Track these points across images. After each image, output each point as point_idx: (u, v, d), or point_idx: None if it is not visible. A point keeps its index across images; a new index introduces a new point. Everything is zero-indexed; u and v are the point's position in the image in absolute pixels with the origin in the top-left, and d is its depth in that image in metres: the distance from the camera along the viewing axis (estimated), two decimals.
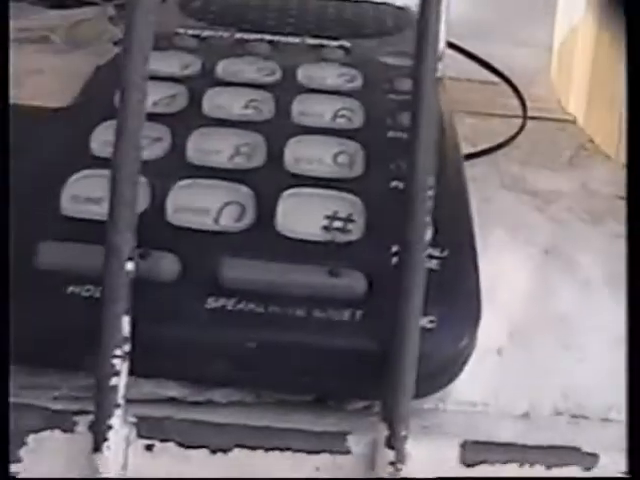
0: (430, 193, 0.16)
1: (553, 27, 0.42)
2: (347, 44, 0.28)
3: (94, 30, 0.27)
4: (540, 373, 0.20)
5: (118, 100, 0.16)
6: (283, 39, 0.28)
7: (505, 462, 0.17)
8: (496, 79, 0.39)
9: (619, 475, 0.17)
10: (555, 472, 0.17)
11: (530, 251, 0.26)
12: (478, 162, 0.31)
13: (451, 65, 0.31)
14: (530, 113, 0.36)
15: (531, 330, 0.22)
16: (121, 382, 0.16)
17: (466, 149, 0.24)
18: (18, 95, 0.23)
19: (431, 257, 0.18)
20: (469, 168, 0.23)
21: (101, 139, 0.21)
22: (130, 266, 0.16)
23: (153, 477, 0.17)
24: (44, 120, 0.22)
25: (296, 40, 0.28)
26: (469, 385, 0.19)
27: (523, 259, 0.25)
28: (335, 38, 0.28)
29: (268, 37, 0.28)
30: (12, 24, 0.26)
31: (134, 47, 0.16)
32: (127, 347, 0.16)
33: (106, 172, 0.19)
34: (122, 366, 0.16)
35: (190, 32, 0.28)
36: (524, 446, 0.17)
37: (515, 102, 0.37)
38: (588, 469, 0.17)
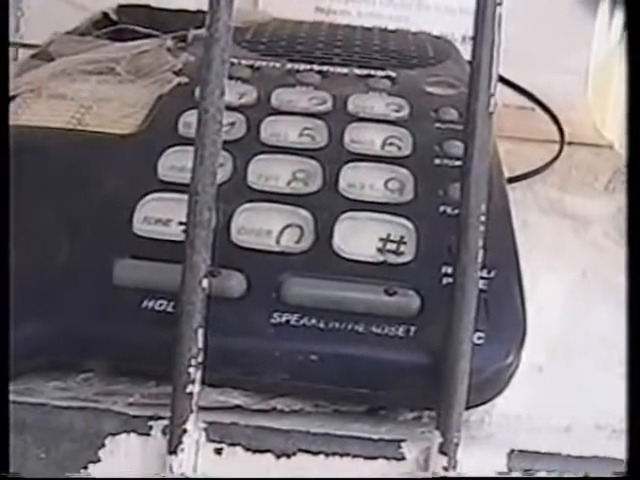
0: (482, 219, 0.17)
1: (589, 53, 0.42)
2: (392, 74, 0.29)
3: (154, 61, 0.28)
4: (580, 389, 0.21)
5: (195, 130, 0.18)
6: (332, 69, 0.29)
7: (549, 471, 0.18)
8: (533, 105, 0.40)
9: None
10: None
11: (568, 273, 0.27)
12: (516, 186, 0.32)
13: None
14: (567, 138, 0.37)
15: (570, 348, 0.23)
16: (195, 390, 0.17)
17: None
18: (88, 122, 0.25)
19: (479, 278, 0.19)
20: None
21: (167, 164, 0.22)
22: (205, 283, 0.17)
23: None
24: (113, 146, 0.24)
25: (344, 70, 0.29)
26: (513, 399, 0.20)
27: (562, 280, 0.26)
28: (380, 68, 0.29)
29: (317, 67, 0.29)
30: (81, 57, 0.28)
31: (211, 82, 0.18)
32: (201, 357, 0.17)
33: (173, 195, 0.21)
34: (196, 375, 0.17)
35: (244, 62, 0.29)
36: (568, 456, 0.18)
37: (552, 127, 0.38)
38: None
